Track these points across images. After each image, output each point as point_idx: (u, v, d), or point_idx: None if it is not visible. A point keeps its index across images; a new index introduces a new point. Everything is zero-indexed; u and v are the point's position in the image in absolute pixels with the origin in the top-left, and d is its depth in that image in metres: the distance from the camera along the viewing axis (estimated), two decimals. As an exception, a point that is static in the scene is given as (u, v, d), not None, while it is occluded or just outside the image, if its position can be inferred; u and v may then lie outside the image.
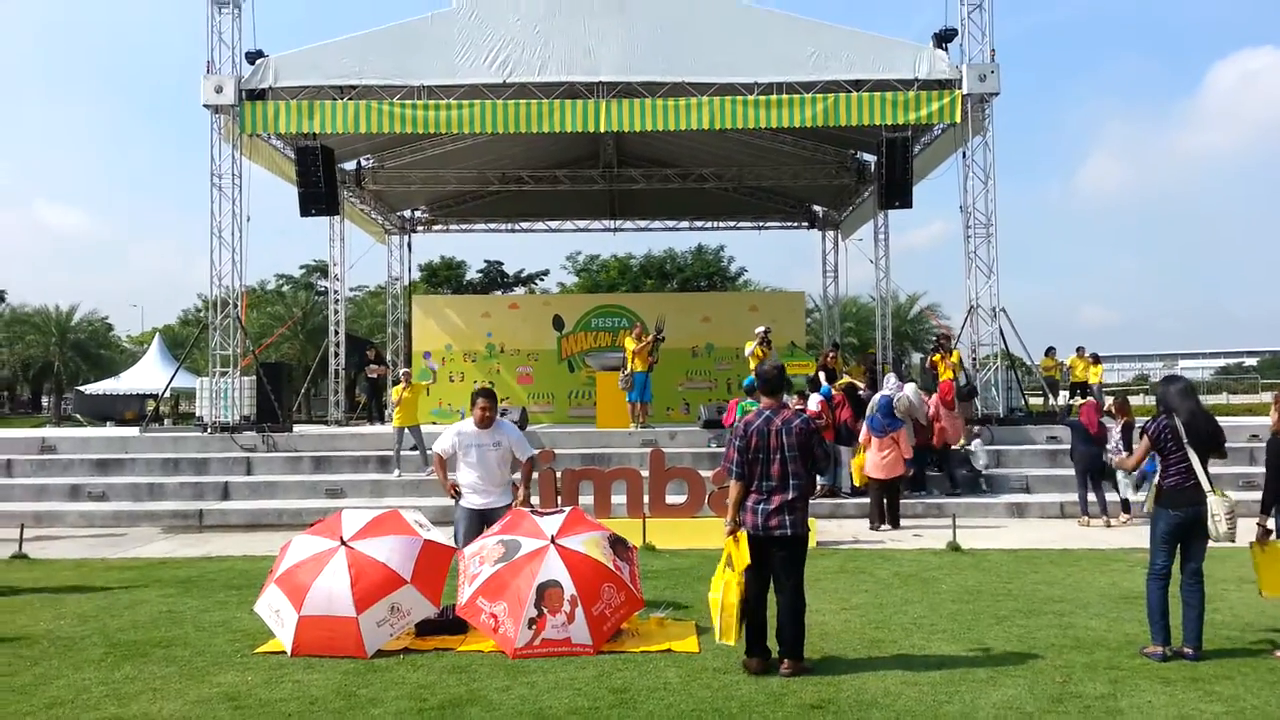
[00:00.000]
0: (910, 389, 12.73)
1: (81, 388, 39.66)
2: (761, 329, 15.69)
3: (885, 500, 11.65)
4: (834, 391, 13.33)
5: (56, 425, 32.94)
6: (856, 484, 12.27)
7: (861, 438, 11.92)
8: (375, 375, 20.83)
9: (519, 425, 15.72)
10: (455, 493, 7.26)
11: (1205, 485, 5.87)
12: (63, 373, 44.41)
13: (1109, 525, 11.68)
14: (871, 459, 11.63)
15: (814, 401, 12.92)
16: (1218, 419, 6.26)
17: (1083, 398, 20.87)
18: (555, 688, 5.40)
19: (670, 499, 10.82)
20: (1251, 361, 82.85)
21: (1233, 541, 5.91)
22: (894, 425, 11.75)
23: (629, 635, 6.41)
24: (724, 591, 5.71)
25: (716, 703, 5.13)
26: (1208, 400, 40.29)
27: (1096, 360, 21.18)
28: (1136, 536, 11.00)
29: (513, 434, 7.36)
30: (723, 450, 5.96)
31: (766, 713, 4.98)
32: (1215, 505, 5.81)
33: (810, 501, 5.91)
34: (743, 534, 5.73)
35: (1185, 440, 5.93)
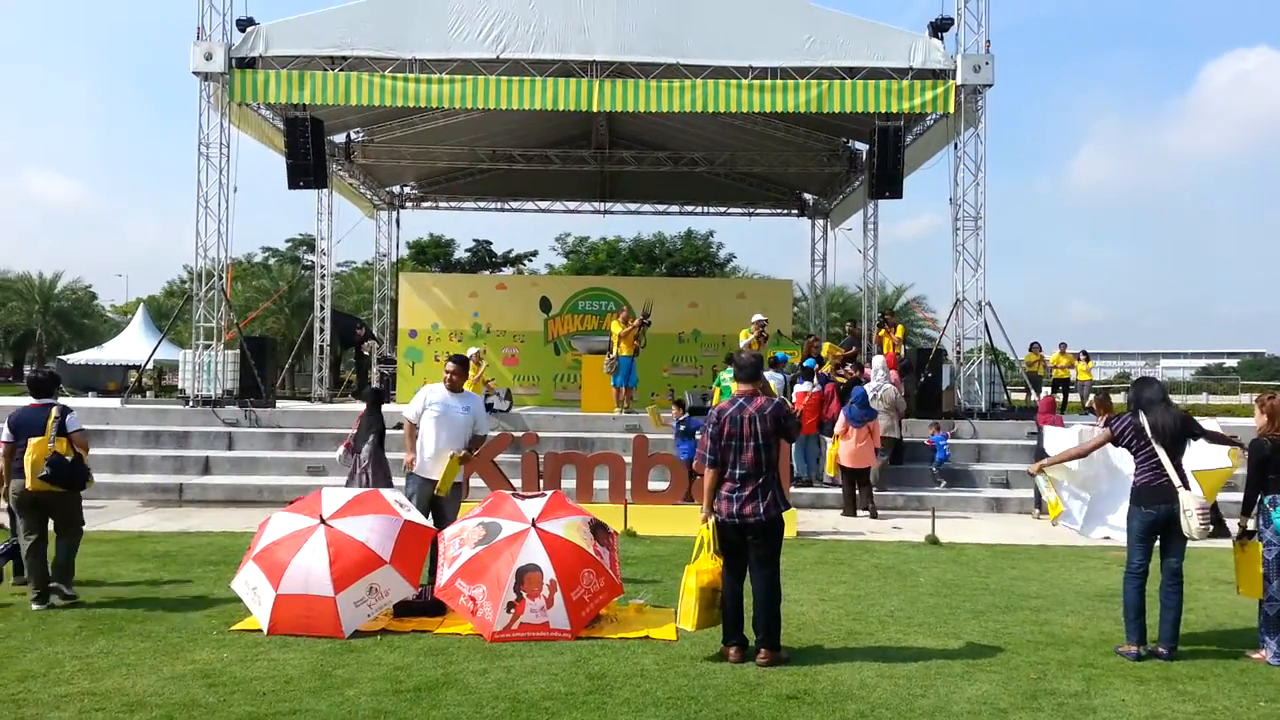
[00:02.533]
0: (879, 361, 13.38)
1: (64, 357, 39.33)
2: (759, 318, 15.68)
3: (857, 489, 11.88)
4: (829, 381, 13.39)
5: (37, 393, 32.60)
6: (830, 474, 12.40)
7: (838, 428, 12.01)
8: (367, 352, 20.73)
9: (504, 407, 15.75)
10: (411, 466, 7.28)
11: (1176, 482, 5.87)
12: (45, 341, 44.02)
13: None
14: (846, 448, 11.78)
15: (795, 393, 13.00)
16: (1196, 419, 6.26)
17: (1064, 394, 21.00)
18: (532, 672, 5.39)
19: (652, 485, 10.80)
20: (1232, 363, 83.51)
21: (1208, 538, 5.91)
22: (869, 416, 12.00)
23: (607, 621, 6.42)
24: (687, 575, 5.75)
25: (693, 691, 5.14)
26: (1188, 400, 40.61)
27: (1086, 358, 21.28)
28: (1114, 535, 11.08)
29: (478, 404, 7.59)
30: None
31: (742, 702, 4.99)
32: (1187, 501, 5.81)
33: (790, 490, 5.94)
34: (712, 522, 5.75)
35: (1151, 436, 5.94)
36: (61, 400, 7.39)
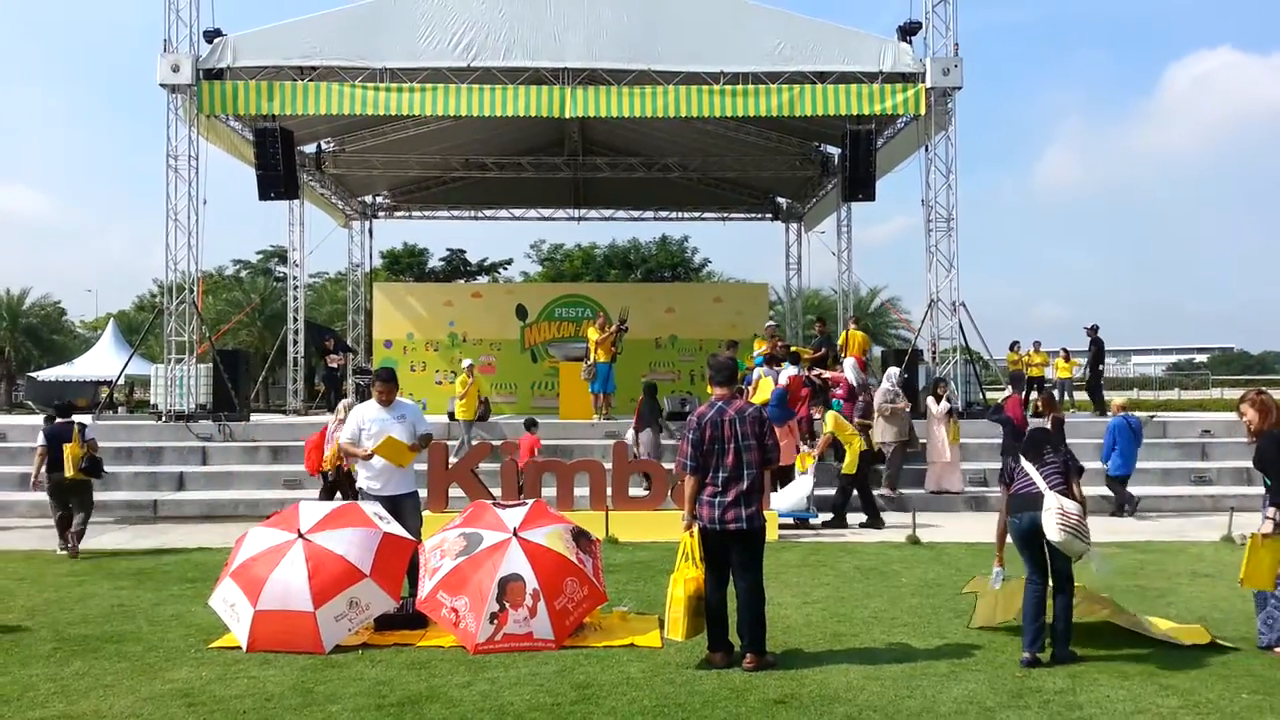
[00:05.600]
0: (849, 363, 13.87)
1: (34, 374, 38.73)
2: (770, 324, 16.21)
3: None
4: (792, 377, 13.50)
5: (8, 412, 32.16)
6: None
7: None
8: (335, 365, 20.52)
9: (481, 416, 15.67)
10: (367, 457, 7.07)
11: (1042, 487, 5.73)
12: (14, 358, 43.36)
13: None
14: None
15: (784, 376, 13.19)
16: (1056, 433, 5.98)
17: (1039, 393, 21.17)
18: (517, 683, 5.34)
19: (633, 491, 10.78)
20: (1202, 358, 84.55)
21: (1072, 552, 5.67)
22: (788, 415, 12.42)
23: (592, 630, 6.37)
24: (673, 585, 5.72)
25: (679, 698, 5.11)
26: (1160, 395, 41.08)
27: (1067, 356, 21.51)
28: (1093, 531, 11.15)
29: (412, 409, 7.47)
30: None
31: (730, 708, 4.96)
32: (1048, 501, 5.66)
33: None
34: (695, 529, 5.72)
35: (1013, 447, 5.90)
36: (76, 418, 10.40)
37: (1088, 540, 5.70)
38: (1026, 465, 5.87)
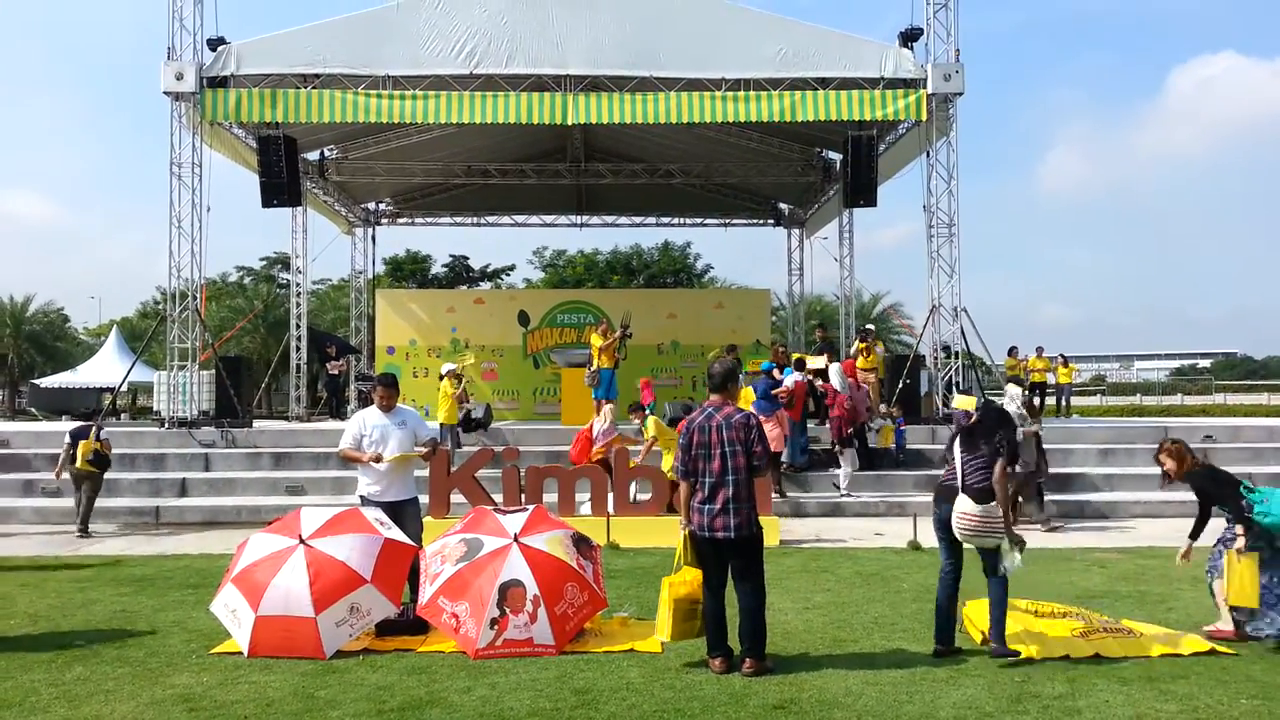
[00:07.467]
0: (834, 369, 14.09)
1: (37, 381, 38.83)
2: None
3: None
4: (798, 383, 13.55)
5: (10, 419, 32.25)
6: None
7: None
8: (336, 371, 20.57)
9: (483, 422, 15.69)
10: (375, 459, 7.09)
11: (959, 485, 5.92)
12: (17, 365, 43.47)
13: (1050, 529, 11.45)
14: None
15: (789, 381, 13.38)
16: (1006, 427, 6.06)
17: (1042, 397, 21.17)
18: (517, 689, 5.35)
19: (634, 497, 10.78)
20: (1205, 363, 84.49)
21: (986, 548, 5.89)
22: (775, 406, 12.82)
23: (592, 635, 6.38)
24: (664, 587, 5.77)
25: (679, 703, 5.11)
26: (1163, 401, 41.06)
27: (1065, 362, 21.48)
28: (1095, 537, 11.15)
29: (413, 415, 7.50)
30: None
31: (729, 713, 4.97)
32: (959, 504, 5.88)
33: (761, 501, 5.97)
34: (685, 534, 5.77)
35: (953, 434, 6.11)
36: (88, 422, 12.22)
37: (999, 535, 5.85)
38: (956, 455, 6.02)
